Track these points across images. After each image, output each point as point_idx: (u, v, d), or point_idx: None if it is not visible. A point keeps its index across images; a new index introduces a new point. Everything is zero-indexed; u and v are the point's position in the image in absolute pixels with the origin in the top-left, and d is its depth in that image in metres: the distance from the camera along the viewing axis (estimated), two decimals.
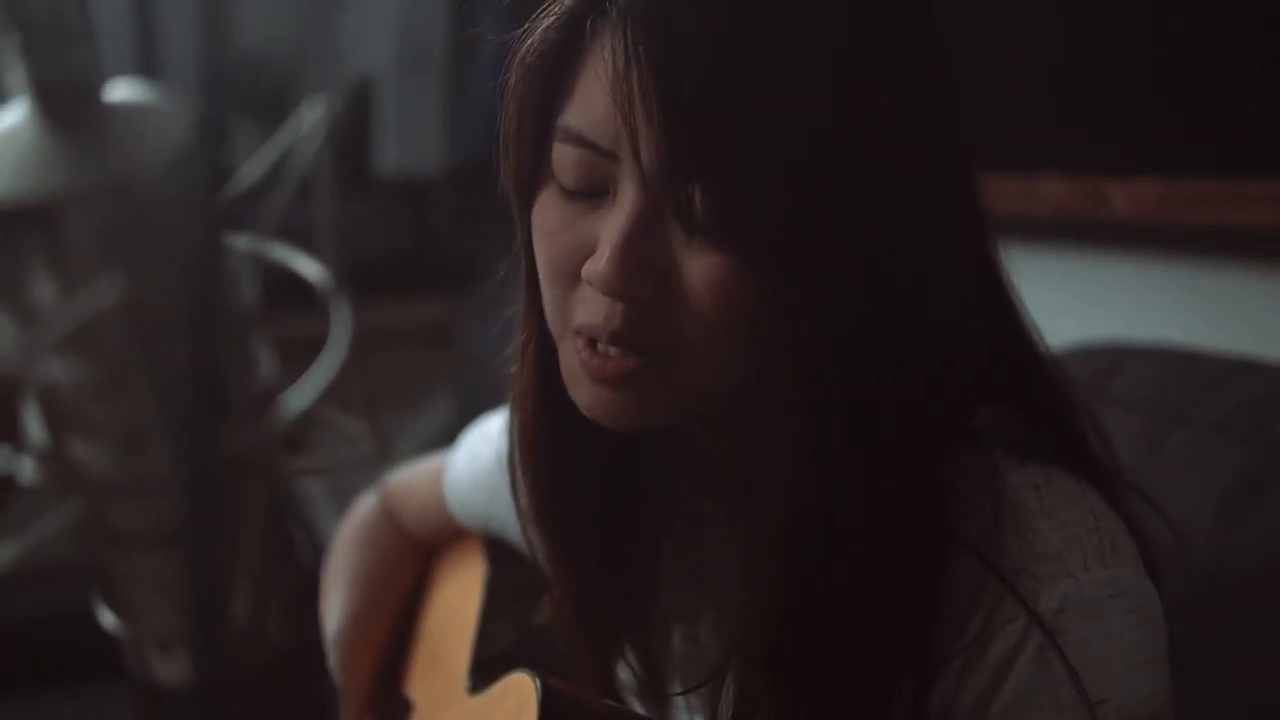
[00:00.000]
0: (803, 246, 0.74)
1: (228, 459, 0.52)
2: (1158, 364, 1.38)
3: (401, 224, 3.11)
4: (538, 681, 0.93)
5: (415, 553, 1.34)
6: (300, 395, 0.54)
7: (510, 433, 0.94)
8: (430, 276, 3.04)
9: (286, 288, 0.59)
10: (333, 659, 1.23)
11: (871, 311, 0.76)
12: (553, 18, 0.81)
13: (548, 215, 0.81)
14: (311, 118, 0.53)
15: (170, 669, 0.56)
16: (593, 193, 0.79)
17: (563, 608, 0.98)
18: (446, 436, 1.34)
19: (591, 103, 0.77)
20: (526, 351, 0.89)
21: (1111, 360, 1.42)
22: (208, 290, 0.43)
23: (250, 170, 0.54)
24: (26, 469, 0.49)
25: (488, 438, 1.18)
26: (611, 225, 0.77)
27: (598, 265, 0.76)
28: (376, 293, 2.90)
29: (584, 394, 0.80)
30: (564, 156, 0.79)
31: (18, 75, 0.49)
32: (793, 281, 0.74)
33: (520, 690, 0.96)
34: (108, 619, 0.56)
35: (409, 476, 1.34)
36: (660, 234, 0.77)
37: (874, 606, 0.78)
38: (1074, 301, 1.65)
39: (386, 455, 0.57)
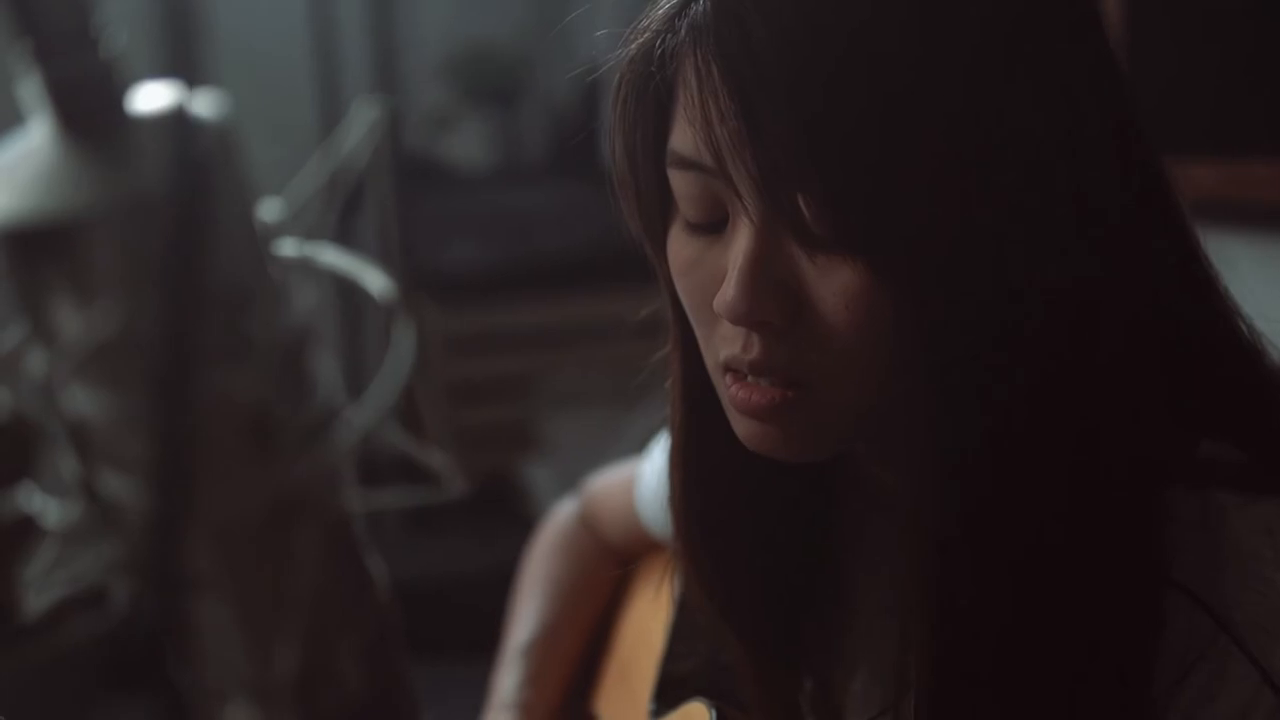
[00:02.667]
0: (922, 246, 0.68)
1: (275, 494, 0.48)
2: None
3: None
4: (713, 713, 0.93)
5: (613, 562, 1.29)
6: (359, 418, 0.49)
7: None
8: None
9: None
10: (520, 671, 1.20)
11: (1020, 319, 0.69)
12: (634, 49, 0.78)
13: (679, 253, 0.78)
14: (364, 121, 0.48)
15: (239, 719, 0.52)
16: (716, 223, 0.76)
17: (734, 650, 0.93)
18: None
19: (686, 126, 0.75)
20: (676, 393, 0.86)
21: None
22: (180, 316, 0.38)
23: (306, 178, 0.49)
24: (52, 510, 0.46)
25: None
26: (734, 253, 0.74)
27: (725, 295, 0.73)
28: (602, 283, 2.89)
29: (739, 429, 0.78)
30: (679, 185, 0.77)
31: (32, 86, 0.45)
32: (919, 288, 0.69)
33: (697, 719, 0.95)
34: (174, 667, 0.52)
35: (607, 482, 1.30)
36: (785, 256, 0.73)
37: (1065, 656, 0.71)
38: None
39: (462, 488, 0.52)
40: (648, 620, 1.19)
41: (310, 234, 0.49)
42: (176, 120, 0.42)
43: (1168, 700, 0.71)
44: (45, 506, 0.46)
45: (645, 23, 0.78)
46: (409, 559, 3.29)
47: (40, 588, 0.49)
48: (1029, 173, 0.69)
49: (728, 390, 0.77)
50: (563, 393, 3.26)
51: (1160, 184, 0.76)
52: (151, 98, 0.46)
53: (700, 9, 0.73)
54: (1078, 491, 0.71)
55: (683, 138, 0.75)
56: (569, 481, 1.40)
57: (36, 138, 0.46)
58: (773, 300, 0.72)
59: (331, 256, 0.49)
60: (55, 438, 0.47)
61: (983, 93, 0.68)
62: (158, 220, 0.44)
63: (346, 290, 0.52)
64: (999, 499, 0.71)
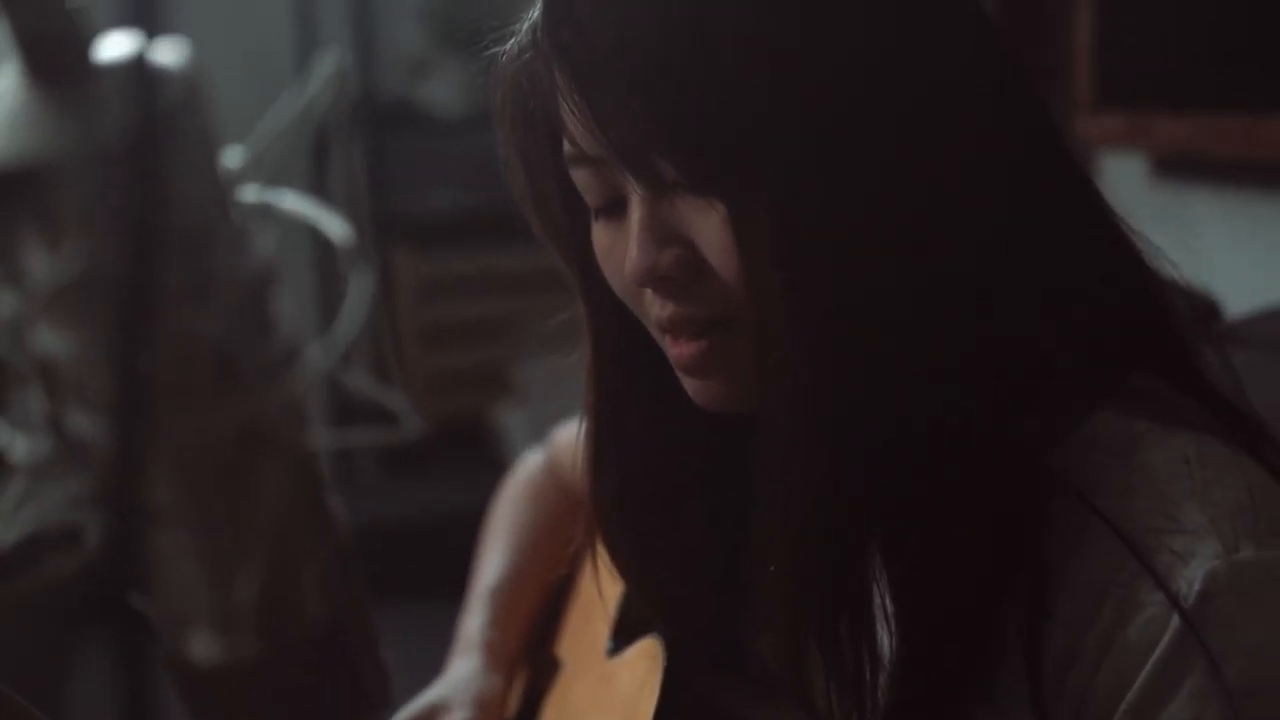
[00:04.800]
0: (766, 185, 0.73)
1: (237, 429, 0.50)
2: None
3: None
4: (665, 649, 0.93)
5: (579, 511, 1.31)
6: (318, 358, 0.51)
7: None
8: None
9: None
10: (486, 613, 1.22)
11: (877, 268, 0.74)
12: (504, 67, 0.84)
13: (599, 243, 0.84)
14: (323, 73, 0.50)
15: (202, 648, 0.55)
16: (617, 204, 0.81)
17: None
18: None
19: (562, 125, 0.80)
20: (589, 382, 0.90)
21: None
22: (141, 259, 0.40)
23: (268, 128, 0.51)
24: (19, 445, 0.48)
25: None
26: (630, 224, 0.79)
27: (629, 263, 0.79)
28: None
29: (688, 388, 0.83)
30: (578, 182, 0.82)
31: (2, 33, 0.46)
32: (776, 231, 0.73)
33: (651, 654, 0.96)
34: (138, 598, 0.55)
35: (570, 432, 1.31)
36: (673, 213, 0.78)
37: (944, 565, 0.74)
38: None
39: (420, 429, 0.54)
40: (610, 567, 1.20)
41: (271, 180, 0.51)
42: (138, 70, 0.44)
43: (1084, 627, 0.73)
44: (12, 441, 0.48)
45: (510, 41, 0.84)
46: (383, 502, 3.31)
47: (9, 523, 0.50)
48: (865, 121, 0.73)
49: (669, 351, 0.81)
50: (537, 338, 3.27)
51: (1044, 136, 0.80)
52: (116, 47, 0.47)
53: (539, 11, 0.79)
54: (939, 460, 0.73)
55: (568, 135, 0.80)
56: (542, 426, 1.42)
57: (5, 83, 0.47)
58: (668, 255, 0.77)
59: (292, 202, 0.51)
60: (24, 376, 0.49)
61: (814, 44, 0.73)
62: (120, 166, 0.46)
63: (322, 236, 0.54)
64: (857, 463, 0.73)
